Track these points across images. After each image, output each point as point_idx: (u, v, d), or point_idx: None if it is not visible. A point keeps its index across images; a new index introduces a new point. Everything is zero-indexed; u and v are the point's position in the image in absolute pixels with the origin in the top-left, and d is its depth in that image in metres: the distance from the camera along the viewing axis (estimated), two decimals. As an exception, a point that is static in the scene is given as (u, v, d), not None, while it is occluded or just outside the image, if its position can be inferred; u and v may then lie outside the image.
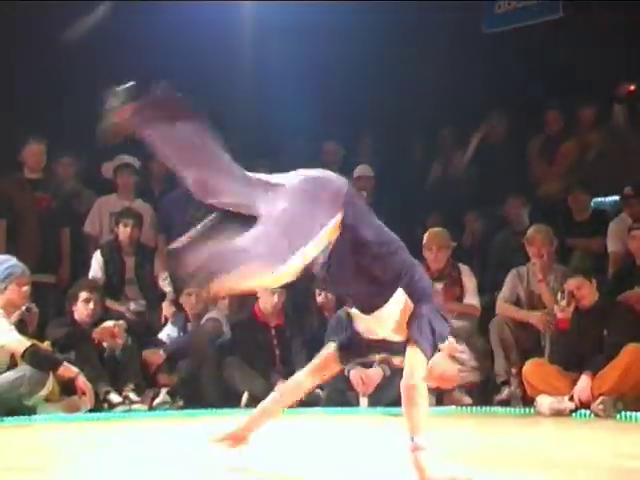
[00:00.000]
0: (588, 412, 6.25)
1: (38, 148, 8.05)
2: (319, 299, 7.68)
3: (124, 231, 7.83)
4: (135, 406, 6.73)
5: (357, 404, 6.84)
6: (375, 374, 6.83)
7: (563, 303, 6.68)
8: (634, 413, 6.08)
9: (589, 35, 9.14)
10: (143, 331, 7.43)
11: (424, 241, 7.47)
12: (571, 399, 6.35)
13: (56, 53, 8.62)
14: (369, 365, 6.87)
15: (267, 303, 7.17)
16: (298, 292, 8.07)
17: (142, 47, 8.64)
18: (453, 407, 6.80)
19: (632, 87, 9.75)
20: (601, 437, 5.19)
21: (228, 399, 6.94)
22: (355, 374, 6.80)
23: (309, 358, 7.11)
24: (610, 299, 6.78)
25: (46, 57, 8.68)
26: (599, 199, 8.58)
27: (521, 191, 8.55)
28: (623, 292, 6.88)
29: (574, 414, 6.28)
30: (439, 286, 7.35)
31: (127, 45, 8.72)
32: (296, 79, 9.37)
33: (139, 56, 8.42)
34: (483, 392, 7.19)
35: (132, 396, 6.79)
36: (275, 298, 7.13)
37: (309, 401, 6.91)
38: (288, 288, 7.40)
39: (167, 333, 7.48)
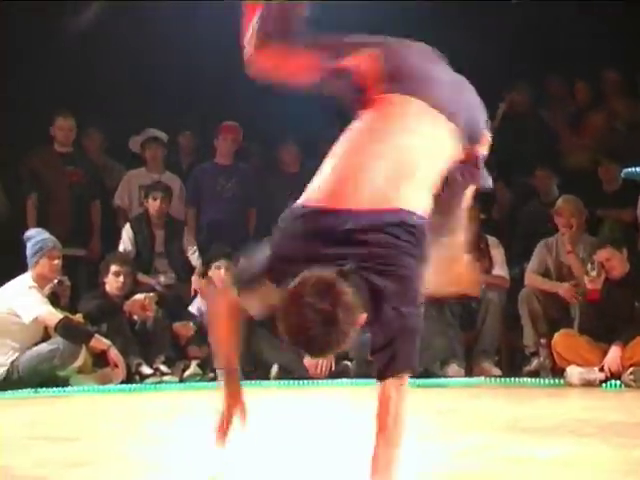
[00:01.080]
0: (618, 383, 6.25)
1: (67, 122, 8.08)
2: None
3: (153, 204, 7.86)
4: (166, 378, 6.80)
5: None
6: (404, 345, 6.83)
7: (593, 274, 6.65)
8: (664, 383, 6.10)
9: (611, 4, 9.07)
10: (173, 304, 7.48)
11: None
12: (601, 370, 6.34)
13: (88, 30, 8.67)
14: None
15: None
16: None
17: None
18: (482, 378, 6.80)
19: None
20: (632, 407, 5.18)
21: (258, 371, 6.97)
22: (383, 345, 6.80)
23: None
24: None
25: (79, 33, 8.72)
26: (629, 169, 8.52)
27: (550, 162, 8.50)
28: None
29: (604, 385, 6.28)
30: (468, 257, 7.37)
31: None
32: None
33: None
34: (512, 363, 7.21)
35: (163, 368, 6.86)
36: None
37: (338, 372, 6.98)
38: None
39: (197, 306, 7.51)
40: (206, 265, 7.63)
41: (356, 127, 2.92)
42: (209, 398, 5.82)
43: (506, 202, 8.73)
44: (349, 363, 7.06)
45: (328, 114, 9.26)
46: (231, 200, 8.30)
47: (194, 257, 7.96)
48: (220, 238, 7.91)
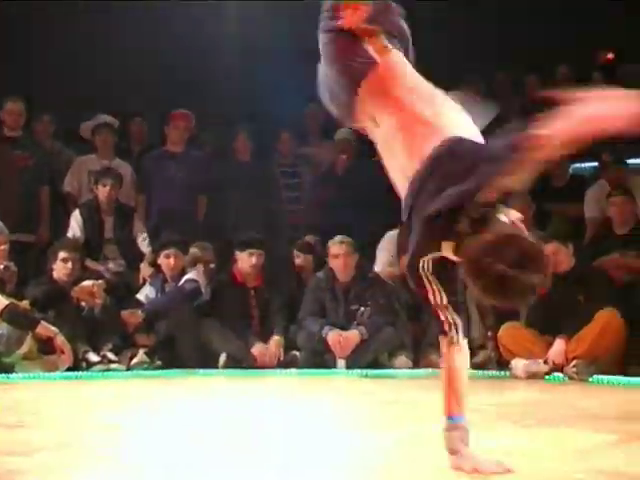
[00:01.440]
0: (562, 375, 6.35)
1: (17, 106, 8.05)
2: (297, 261, 7.74)
3: (103, 191, 7.82)
4: (113, 366, 6.76)
5: (334, 366, 6.88)
6: (352, 337, 6.88)
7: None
8: (607, 376, 6.19)
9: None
10: (122, 291, 7.47)
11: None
12: (546, 362, 6.43)
13: (37, 10, 8.59)
14: (347, 326, 6.95)
15: (246, 265, 7.21)
16: (277, 254, 8.12)
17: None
18: (430, 370, 6.84)
19: (610, 55, 9.82)
20: (573, 399, 5.26)
21: (206, 360, 6.97)
22: (333, 336, 6.85)
23: (287, 319, 7.25)
24: (586, 265, 6.84)
25: (27, 14, 8.65)
26: (577, 165, 8.64)
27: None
28: (599, 258, 6.94)
29: (548, 377, 6.37)
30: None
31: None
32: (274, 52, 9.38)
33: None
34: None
35: (110, 356, 6.82)
36: (254, 260, 7.17)
37: (287, 362, 7.01)
38: (267, 250, 7.48)
39: (145, 294, 7.48)
40: (156, 253, 7.63)
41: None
42: (156, 386, 5.87)
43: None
44: (297, 353, 7.10)
45: (281, 105, 9.38)
46: (182, 187, 8.26)
47: (144, 244, 7.94)
48: (170, 225, 7.90)
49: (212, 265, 7.58)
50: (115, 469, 2.94)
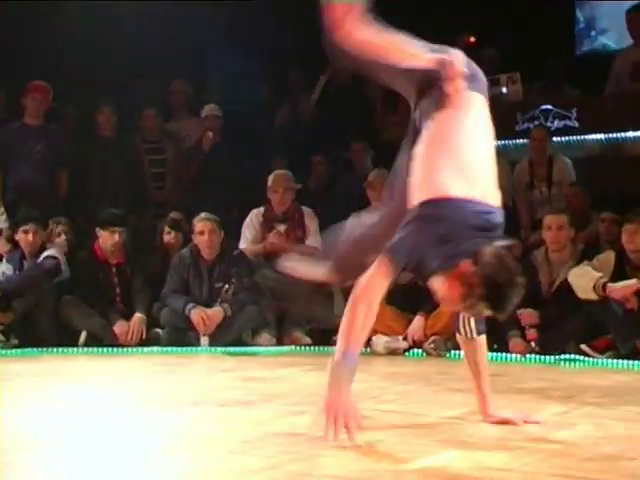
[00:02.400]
0: (421, 351, 6.51)
1: None
2: (167, 238, 7.67)
3: (-44, 164, 7.68)
4: (-35, 344, 6.67)
5: (198, 344, 6.90)
6: (216, 314, 6.89)
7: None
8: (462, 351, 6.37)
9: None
10: (-23, 268, 7.33)
11: (269, 183, 7.56)
12: (405, 339, 6.59)
13: None
14: (211, 304, 6.97)
15: (107, 242, 7.14)
16: (141, 231, 8.07)
17: None
18: (293, 347, 6.93)
19: (471, 39, 10.06)
20: (430, 374, 5.40)
21: (65, 338, 6.90)
22: (196, 314, 6.86)
23: (151, 297, 7.21)
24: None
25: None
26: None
27: (365, 136, 8.72)
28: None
29: (407, 353, 6.52)
30: (282, 227, 7.50)
31: None
32: (140, 17, 9.27)
33: None
34: (323, 332, 7.34)
35: (-37, 334, 6.73)
36: (116, 237, 7.10)
37: (149, 340, 7.00)
38: (131, 226, 7.43)
39: (2, 270, 7.35)
40: (13, 228, 7.50)
41: (452, 122, 3.45)
42: (13, 366, 5.79)
43: (322, 174, 8.89)
44: (160, 331, 7.09)
45: (146, 82, 9.32)
46: (41, 161, 8.13)
47: (1, 219, 7.80)
48: (29, 200, 7.76)
49: (72, 242, 7.49)
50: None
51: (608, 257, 6.34)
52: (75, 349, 6.79)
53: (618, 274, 6.18)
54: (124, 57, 9.44)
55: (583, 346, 6.12)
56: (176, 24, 9.54)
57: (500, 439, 3.12)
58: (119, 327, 6.93)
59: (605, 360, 5.98)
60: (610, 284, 6.08)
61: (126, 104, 8.89)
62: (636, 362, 5.81)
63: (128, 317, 7.01)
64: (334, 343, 6.92)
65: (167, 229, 7.67)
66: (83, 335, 6.94)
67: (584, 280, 6.18)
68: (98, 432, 3.37)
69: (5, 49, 8.94)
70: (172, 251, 7.58)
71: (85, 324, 6.98)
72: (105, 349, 6.78)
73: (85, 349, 6.81)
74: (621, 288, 6.07)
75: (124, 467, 2.76)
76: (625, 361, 5.86)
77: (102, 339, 6.95)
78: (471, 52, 9.52)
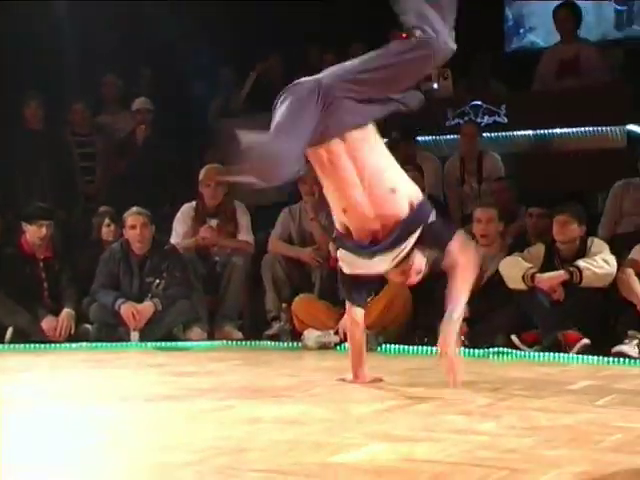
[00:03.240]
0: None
1: None
2: (105, 230, 7.60)
3: None
4: None
5: (128, 339, 6.86)
6: (146, 309, 6.87)
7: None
8: (394, 345, 6.42)
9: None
10: None
11: (201, 177, 7.54)
12: (336, 333, 6.60)
13: None
14: (141, 299, 6.94)
15: (34, 236, 7.05)
16: (71, 225, 8.01)
17: None
18: (224, 341, 6.92)
19: (404, 35, 10.12)
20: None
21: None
22: (126, 309, 6.82)
23: (79, 292, 7.14)
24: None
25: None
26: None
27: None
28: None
29: (338, 347, 6.54)
30: (214, 222, 7.48)
31: None
32: (70, 13, 9.20)
33: None
34: (254, 327, 7.36)
35: None
36: (43, 230, 7.03)
37: (78, 336, 6.95)
38: (59, 220, 7.37)
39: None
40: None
41: None
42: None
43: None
44: (89, 326, 7.04)
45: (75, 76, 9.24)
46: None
47: None
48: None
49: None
50: None
51: (538, 249, 6.44)
52: (1, 345, 6.72)
53: (547, 266, 6.29)
54: (52, 51, 9.33)
55: (513, 337, 6.21)
56: (106, 19, 9.48)
57: (425, 430, 3.16)
58: (47, 323, 6.87)
59: (531, 353, 6.07)
60: (539, 274, 6.19)
61: (55, 98, 8.81)
62: (560, 355, 5.91)
63: (56, 312, 6.96)
64: (266, 337, 7.02)
65: (107, 221, 7.59)
66: (9, 331, 6.87)
67: (514, 270, 6.29)
68: (23, 428, 3.35)
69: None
70: (107, 244, 7.51)
71: (11, 320, 6.91)
72: (33, 345, 6.71)
73: (12, 345, 6.74)
74: (548, 279, 6.18)
75: (50, 463, 2.75)
76: (550, 354, 5.95)
77: (29, 335, 6.88)
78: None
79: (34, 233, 7.04)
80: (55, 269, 7.16)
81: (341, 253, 4.34)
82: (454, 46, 4.00)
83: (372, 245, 4.14)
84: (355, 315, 4.52)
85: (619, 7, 10.00)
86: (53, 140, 8.54)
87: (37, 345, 6.72)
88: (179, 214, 7.62)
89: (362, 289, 4.50)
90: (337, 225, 4.29)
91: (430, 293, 6.55)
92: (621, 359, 5.72)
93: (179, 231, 7.54)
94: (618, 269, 6.17)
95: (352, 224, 4.17)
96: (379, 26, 9.51)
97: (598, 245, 6.33)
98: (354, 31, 9.12)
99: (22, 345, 6.71)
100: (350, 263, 4.29)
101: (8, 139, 8.37)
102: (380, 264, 4.18)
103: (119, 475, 2.53)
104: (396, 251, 4.14)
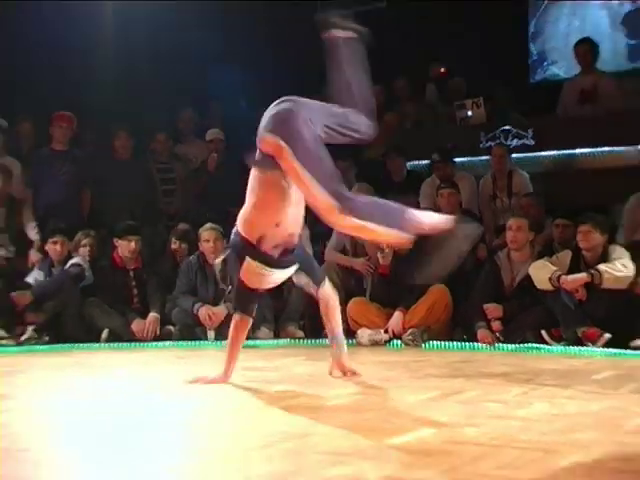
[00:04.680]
0: (400, 342, 6.52)
1: None
2: (173, 246, 7.70)
3: (-6, 185, 7.68)
4: (4, 342, 6.67)
5: (205, 338, 6.91)
6: (221, 311, 6.91)
7: (386, 251, 6.90)
8: (437, 342, 6.39)
9: (409, 24, 9.45)
10: (12, 275, 7.32)
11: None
12: (386, 331, 6.61)
13: None
14: (216, 303, 6.97)
15: (125, 250, 7.15)
16: (154, 240, 8.08)
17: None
18: (288, 340, 6.93)
19: (442, 70, 10.12)
20: (409, 362, 5.41)
21: (89, 335, 6.91)
22: (203, 311, 6.87)
23: (163, 298, 7.20)
24: (421, 248, 7.00)
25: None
26: (414, 162, 8.86)
27: (349, 154, 8.72)
28: (432, 242, 7.13)
29: (388, 344, 6.54)
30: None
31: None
32: (152, 59, 9.32)
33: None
34: (314, 327, 7.34)
35: (1, 333, 6.73)
36: (132, 245, 7.12)
37: (163, 336, 7.00)
38: (145, 236, 7.45)
39: (34, 277, 7.37)
40: (44, 240, 7.53)
41: None
42: (45, 360, 5.79)
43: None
44: (172, 327, 7.09)
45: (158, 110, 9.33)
46: (67, 182, 8.16)
47: (33, 232, 7.84)
48: (57, 215, 7.80)
49: (94, 251, 7.49)
50: None
51: (565, 255, 6.39)
52: (98, 344, 6.79)
53: (573, 270, 6.22)
54: (137, 89, 9.44)
55: (543, 332, 6.16)
56: (179, 59, 9.60)
57: (467, 417, 3.14)
58: (136, 325, 6.95)
59: (560, 347, 6.01)
60: (564, 276, 6.13)
61: (139, 130, 8.90)
62: (585, 349, 5.85)
63: (144, 316, 7.03)
64: (325, 336, 7.02)
65: (174, 240, 7.70)
66: (105, 332, 6.94)
67: (542, 272, 6.24)
68: (117, 414, 3.38)
69: (40, 83, 8.96)
70: (179, 257, 7.59)
71: (106, 322, 6.99)
72: (124, 344, 6.79)
73: (106, 344, 6.82)
74: (572, 280, 6.12)
75: (140, 442, 2.77)
76: (577, 347, 5.89)
77: (121, 336, 6.95)
78: (443, 81, 9.72)
79: (125, 247, 7.13)
80: (143, 278, 7.23)
81: (252, 264, 4.02)
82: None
83: (282, 258, 4.03)
84: (245, 323, 4.39)
85: (631, 42, 9.92)
86: (139, 167, 8.61)
87: (128, 344, 6.79)
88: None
89: (255, 301, 4.34)
90: (250, 235, 3.99)
91: (466, 298, 6.57)
92: (639, 352, 5.66)
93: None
94: (636, 273, 6.11)
95: (276, 237, 3.98)
96: (422, 62, 9.60)
97: (618, 251, 6.26)
98: (399, 66, 9.13)
99: (115, 344, 6.78)
100: (261, 276, 4.06)
101: (101, 167, 8.46)
102: (283, 276, 4.13)
103: (199, 456, 2.53)
104: (294, 267, 4.12)
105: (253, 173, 4.01)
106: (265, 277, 4.06)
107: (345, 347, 4.45)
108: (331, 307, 4.42)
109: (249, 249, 4.00)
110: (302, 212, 4.05)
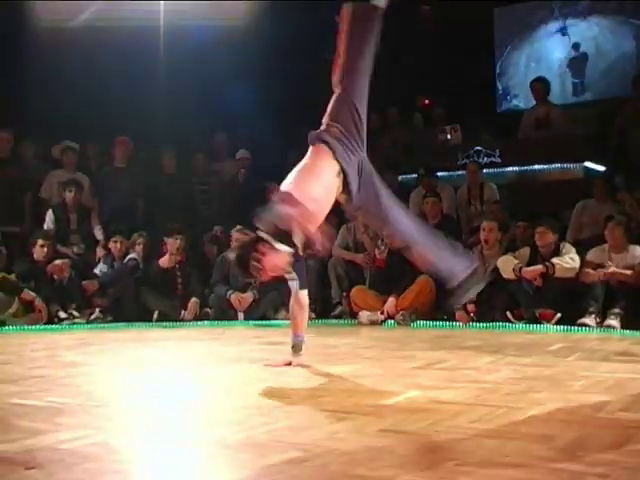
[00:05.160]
0: (393, 322, 6.53)
1: (6, 136, 7.91)
2: (207, 246, 7.73)
3: (69, 195, 7.73)
4: (77, 320, 6.71)
5: (236, 318, 6.92)
6: (248, 297, 6.92)
7: (382, 248, 6.90)
8: (422, 321, 6.40)
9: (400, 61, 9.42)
10: (83, 267, 7.36)
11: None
12: (382, 313, 6.61)
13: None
14: (244, 290, 6.98)
15: (172, 245, 7.16)
16: (195, 239, 8.10)
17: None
18: (303, 320, 6.91)
19: (427, 101, 10.12)
20: (400, 338, 5.43)
21: (143, 315, 6.94)
22: (234, 297, 6.89)
23: (202, 286, 7.20)
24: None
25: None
26: (404, 176, 8.87)
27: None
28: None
29: (384, 323, 6.54)
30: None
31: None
32: (195, 88, 9.32)
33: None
34: (324, 310, 7.35)
35: (75, 313, 6.76)
36: (178, 242, 7.13)
37: (202, 316, 7.01)
38: (187, 236, 7.46)
39: (100, 269, 7.41)
40: (107, 239, 7.57)
41: None
42: (109, 335, 5.83)
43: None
44: (209, 310, 7.11)
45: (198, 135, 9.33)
46: (126, 193, 8.20)
47: (99, 233, 7.86)
48: (117, 220, 7.83)
49: (148, 248, 7.52)
50: (70, 393, 2.95)
51: (525, 251, 6.39)
52: (150, 323, 6.82)
53: (531, 263, 6.22)
54: (180, 117, 9.43)
55: (508, 313, 6.16)
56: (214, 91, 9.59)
57: (448, 381, 3.14)
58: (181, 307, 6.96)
59: (521, 325, 6.01)
60: (524, 268, 6.13)
61: (182, 151, 8.92)
62: (541, 326, 5.85)
63: (188, 301, 7.05)
64: (332, 317, 7.00)
65: (207, 242, 7.76)
66: (156, 313, 6.97)
67: (507, 264, 6.24)
68: (167, 381, 3.40)
69: (95, 112, 8.99)
70: (210, 255, 7.62)
71: (157, 305, 7.01)
72: (171, 323, 6.81)
73: (157, 323, 6.84)
74: (531, 271, 6.12)
75: (173, 407, 2.79)
76: (535, 325, 5.90)
77: (169, 316, 6.97)
78: (427, 110, 9.66)
79: (172, 244, 7.14)
80: (186, 270, 7.25)
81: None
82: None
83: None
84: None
85: (575, 80, 9.94)
86: (182, 181, 8.64)
87: (174, 323, 6.81)
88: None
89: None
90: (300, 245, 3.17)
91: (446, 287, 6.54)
92: (584, 328, 5.67)
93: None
94: (580, 265, 6.11)
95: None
96: (409, 95, 9.57)
97: (567, 248, 6.27)
98: (389, 97, 9.11)
99: (164, 323, 6.81)
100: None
101: (152, 181, 8.50)
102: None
103: (232, 413, 2.55)
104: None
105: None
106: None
107: (299, 348, 3.77)
108: (297, 309, 3.74)
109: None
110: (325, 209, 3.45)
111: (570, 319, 5.84)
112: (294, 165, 3.53)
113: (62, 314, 6.66)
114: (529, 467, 1.79)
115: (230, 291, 6.93)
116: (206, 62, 9.29)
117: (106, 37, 8.78)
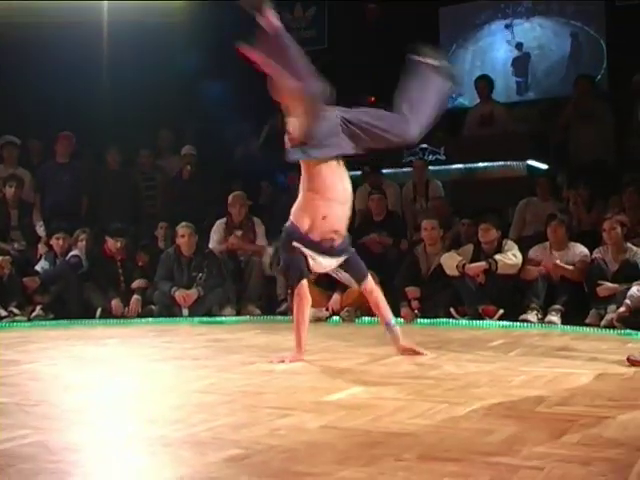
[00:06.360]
0: (337, 318, 6.54)
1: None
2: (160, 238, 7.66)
3: (9, 191, 7.58)
4: (17, 318, 6.57)
5: (180, 315, 6.86)
6: (193, 294, 6.85)
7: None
8: (367, 318, 6.42)
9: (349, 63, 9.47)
10: (23, 264, 7.21)
11: (229, 201, 7.53)
12: (327, 310, 6.62)
13: None
14: (189, 287, 6.92)
15: (112, 246, 7.08)
16: (138, 236, 7.99)
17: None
18: (248, 317, 6.91)
19: (372, 98, 10.14)
20: (344, 334, 5.44)
21: (86, 312, 6.83)
22: (178, 294, 6.82)
23: (146, 282, 7.09)
24: (355, 242, 7.01)
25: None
26: (350, 173, 8.86)
27: (298, 167, 8.71)
28: (363, 237, 7.12)
29: (328, 320, 6.55)
30: (239, 232, 7.47)
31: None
32: (137, 88, 9.21)
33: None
34: (269, 306, 7.32)
35: (15, 311, 6.63)
36: (118, 244, 7.02)
37: (145, 313, 6.94)
38: (130, 234, 7.36)
39: (41, 266, 7.27)
40: (49, 236, 7.43)
41: None
42: (51, 332, 5.72)
43: (268, 194, 8.87)
44: (153, 307, 7.03)
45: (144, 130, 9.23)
46: (68, 188, 8.07)
47: (40, 230, 7.73)
48: (59, 216, 7.69)
49: (90, 244, 7.40)
50: (8, 392, 2.90)
51: (468, 248, 6.46)
52: (93, 320, 6.72)
53: (475, 260, 6.30)
54: (125, 113, 9.31)
55: (452, 309, 6.23)
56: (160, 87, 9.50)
57: (391, 377, 3.17)
58: (116, 304, 6.87)
59: (464, 321, 6.09)
60: (468, 265, 6.21)
61: (127, 147, 8.82)
62: (483, 322, 5.94)
63: (129, 298, 6.96)
64: (277, 314, 6.97)
65: (162, 233, 7.73)
66: (99, 310, 6.87)
67: (451, 261, 6.31)
68: (107, 379, 3.36)
69: (37, 107, 8.82)
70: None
71: (100, 302, 6.91)
72: (114, 320, 6.72)
73: (100, 320, 6.75)
74: (474, 267, 6.20)
75: (120, 400, 2.76)
76: (477, 321, 5.98)
77: (111, 313, 6.87)
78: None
79: (112, 245, 7.05)
80: (128, 267, 7.16)
81: (303, 249, 3.73)
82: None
83: (331, 248, 3.76)
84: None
85: (518, 79, 10.12)
86: (126, 177, 8.55)
87: (117, 320, 6.73)
88: (215, 227, 7.60)
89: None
90: (300, 223, 3.70)
91: (391, 282, 6.59)
92: (525, 324, 5.76)
93: (215, 239, 7.52)
94: (523, 262, 6.21)
95: (323, 230, 3.71)
96: (353, 92, 9.55)
97: (510, 245, 6.36)
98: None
99: (107, 320, 6.71)
100: (314, 260, 3.78)
101: (95, 176, 8.39)
102: (331, 263, 3.86)
103: (173, 410, 2.53)
104: (340, 259, 3.86)
105: (303, 167, 3.79)
106: (316, 264, 3.79)
107: (398, 330, 4.01)
108: (374, 298, 3.98)
109: (297, 235, 3.72)
110: (347, 213, 3.79)
111: (512, 315, 5.93)
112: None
113: (2, 312, 6.51)
114: (467, 461, 1.82)
115: (174, 288, 6.87)
116: (151, 58, 9.19)
117: (49, 33, 8.61)
